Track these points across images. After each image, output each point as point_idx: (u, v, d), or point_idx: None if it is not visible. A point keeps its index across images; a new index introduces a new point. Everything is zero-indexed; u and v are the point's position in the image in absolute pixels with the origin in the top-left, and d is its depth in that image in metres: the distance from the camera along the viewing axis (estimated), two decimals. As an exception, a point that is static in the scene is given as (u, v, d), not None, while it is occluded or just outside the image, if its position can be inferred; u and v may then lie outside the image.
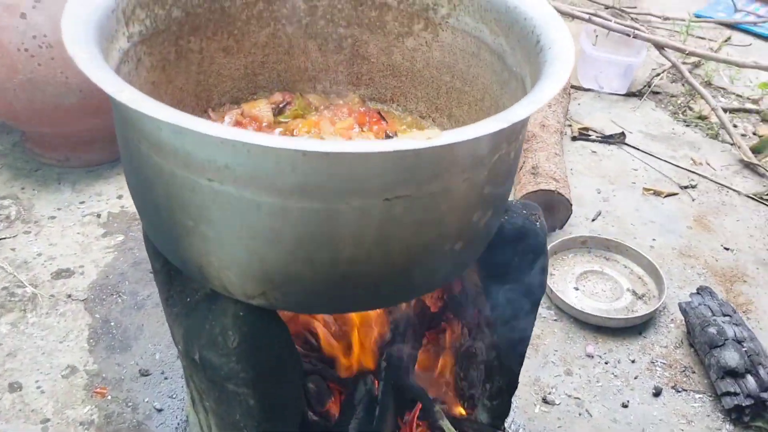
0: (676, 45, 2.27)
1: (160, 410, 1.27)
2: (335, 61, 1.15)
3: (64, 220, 1.66)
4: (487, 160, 0.75)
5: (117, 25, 0.85)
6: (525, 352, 1.09)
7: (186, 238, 0.77)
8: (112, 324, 1.43)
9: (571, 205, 1.67)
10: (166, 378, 1.33)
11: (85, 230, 1.64)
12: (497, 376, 1.11)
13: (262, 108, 1.10)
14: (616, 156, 2.05)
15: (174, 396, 1.30)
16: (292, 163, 0.65)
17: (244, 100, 1.14)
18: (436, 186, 0.72)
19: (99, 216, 1.68)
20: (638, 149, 2.08)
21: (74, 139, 1.75)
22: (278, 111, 1.12)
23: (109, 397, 1.29)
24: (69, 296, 1.47)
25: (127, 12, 0.88)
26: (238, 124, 1.08)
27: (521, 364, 1.11)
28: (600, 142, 2.08)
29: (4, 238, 1.60)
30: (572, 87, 2.30)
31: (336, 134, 1.09)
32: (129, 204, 1.65)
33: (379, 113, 1.14)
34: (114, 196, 1.74)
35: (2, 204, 1.69)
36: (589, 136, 2.10)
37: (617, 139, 2.08)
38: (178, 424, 1.25)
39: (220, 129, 0.62)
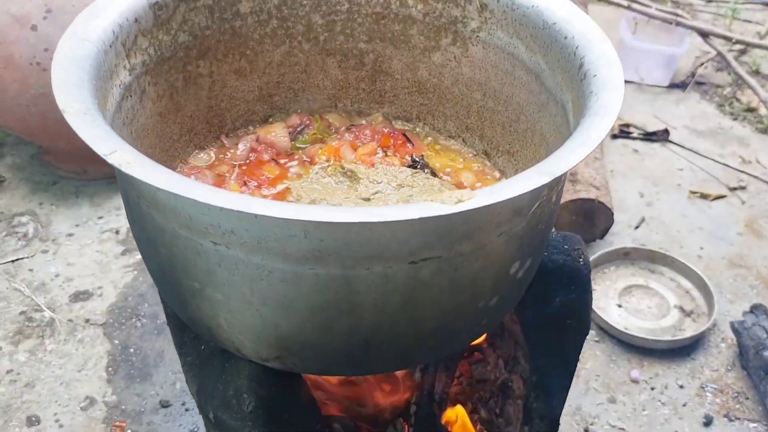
0: (722, 32, 2.13)
1: (181, 445, 1.22)
2: (356, 78, 1.07)
3: (82, 237, 1.61)
4: (526, 210, 0.66)
5: (117, 59, 0.78)
6: (566, 396, 1.01)
7: (193, 300, 0.70)
8: (132, 350, 1.37)
9: (613, 214, 1.57)
10: (187, 410, 1.28)
11: (103, 248, 1.58)
12: (537, 420, 1.03)
13: (278, 133, 1.03)
14: (660, 155, 1.93)
15: (195, 429, 1.24)
16: (304, 229, 0.57)
17: (260, 123, 1.06)
18: (469, 245, 0.63)
19: (118, 232, 1.62)
20: (683, 147, 1.95)
21: (91, 151, 1.69)
22: (296, 135, 1.04)
23: (129, 431, 1.24)
24: (87, 321, 1.42)
25: (128, 43, 0.80)
26: (253, 151, 1.01)
27: (562, 408, 1.03)
28: (642, 140, 1.97)
29: (22, 258, 1.55)
30: (610, 79, 2.18)
31: (358, 160, 1.01)
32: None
33: (404, 135, 1.06)
34: (133, 210, 1.68)
35: (20, 221, 1.65)
36: (631, 133, 1.98)
37: (660, 137, 1.96)
38: (200, 460, 1.20)
39: (222, 197, 0.54)
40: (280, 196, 0.95)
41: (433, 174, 1.01)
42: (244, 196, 0.55)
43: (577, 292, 0.91)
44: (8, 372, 1.32)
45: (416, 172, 0.97)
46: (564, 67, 0.81)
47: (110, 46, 0.76)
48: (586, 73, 0.75)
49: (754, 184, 1.84)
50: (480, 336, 0.94)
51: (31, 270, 1.53)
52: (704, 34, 2.14)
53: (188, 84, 0.93)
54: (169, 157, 0.95)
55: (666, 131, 1.97)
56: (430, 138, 1.08)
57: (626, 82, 2.24)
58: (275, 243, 0.59)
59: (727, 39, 2.12)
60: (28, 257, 1.56)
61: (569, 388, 1.00)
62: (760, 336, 1.33)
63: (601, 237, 1.62)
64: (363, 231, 0.58)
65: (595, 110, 0.68)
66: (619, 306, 1.48)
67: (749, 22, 2.56)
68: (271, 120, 1.06)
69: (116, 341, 1.39)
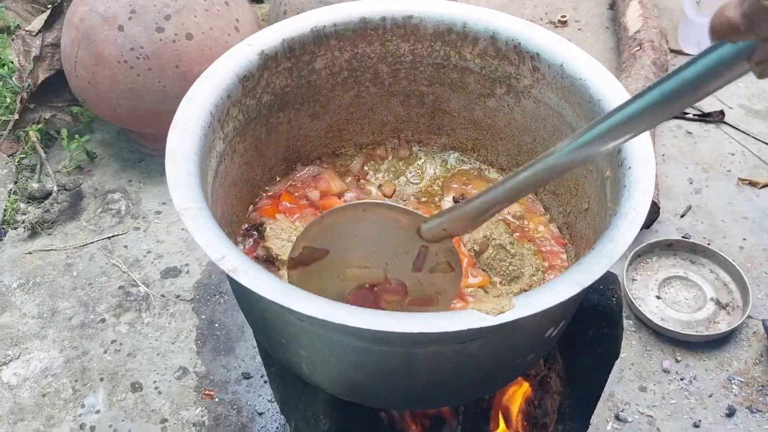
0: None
1: (261, 414, 1.42)
2: (417, 114, 1.17)
3: (168, 215, 1.79)
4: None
5: (214, 134, 0.91)
6: (595, 404, 1.15)
7: (280, 348, 0.86)
8: (216, 325, 1.57)
9: (659, 208, 1.65)
10: (265, 381, 1.47)
11: (187, 226, 1.76)
12: (569, 421, 1.18)
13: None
14: (713, 137, 1.97)
15: (273, 400, 1.44)
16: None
17: (330, 154, 1.19)
18: (511, 325, 0.76)
19: (199, 211, 1.79)
20: (737, 129, 1.98)
21: (173, 134, 1.85)
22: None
23: (217, 399, 1.45)
24: (177, 296, 1.62)
25: (222, 117, 0.93)
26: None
27: (592, 412, 1.17)
28: (697, 120, 2.00)
29: (118, 235, 1.75)
30: (672, 51, 2.18)
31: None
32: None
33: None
34: (212, 188, 1.84)
35: (113, 198, 1.84)
36: (686, 113, 2.01)
37: (715, 118, 1.99)
38: (277, 428, 1.40)
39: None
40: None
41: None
42: (324, 303, 0.69)
43: (608, 327, 1.03)
44: (113, 342, 1.54)
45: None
46: (605, 143, 0.90)
47: (209, 127, 0.89)
48: (623, 161, 0.84)
49: (806, 171, 1.87)
50: (516, 378, 1.07)
51: (125, 246, 1.73)
52: (771, 7, 2.10)
53: (270, 133, 1.06)
54: (253, 194, 1.09)
55: (721, 112, 2.00)
56: (484, 169, 1.19)
57: (686, 54, 2.22)
58: (352, 330, 0.73)
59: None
60: (122, 234, 1.76)
61: (599, 397, 1.14)
62: (789, 336, 1.43)
63: (647, 227, 1.70)
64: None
65: (624, 211, 0.77)
66: (658, 297, 1.59)
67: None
68: (341, 150, 1.19)
69: (203, 316, 1.59)
